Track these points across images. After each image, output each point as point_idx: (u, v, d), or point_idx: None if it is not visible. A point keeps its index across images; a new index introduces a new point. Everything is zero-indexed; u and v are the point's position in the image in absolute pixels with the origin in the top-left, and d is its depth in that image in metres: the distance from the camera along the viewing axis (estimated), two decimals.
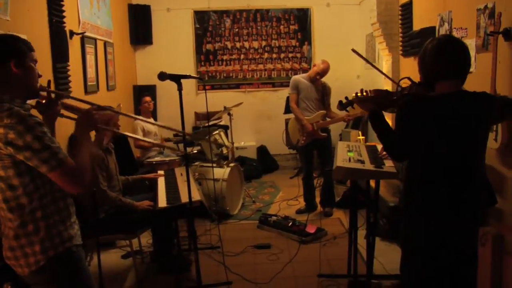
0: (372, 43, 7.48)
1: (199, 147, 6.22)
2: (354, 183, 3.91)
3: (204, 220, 5.58)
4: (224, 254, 4.45)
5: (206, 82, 8.51)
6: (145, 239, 4.87)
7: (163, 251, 4.37)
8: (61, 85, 4.57)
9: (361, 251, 4.25)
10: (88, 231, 3.44)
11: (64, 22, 4.71)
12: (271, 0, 8.54)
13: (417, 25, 5.25)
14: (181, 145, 6.96)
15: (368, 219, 3.78)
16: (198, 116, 8.29)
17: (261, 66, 8.67)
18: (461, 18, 4.24)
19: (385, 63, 6.35)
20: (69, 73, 4.77)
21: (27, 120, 2.02)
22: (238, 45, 8.61)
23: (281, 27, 8.60)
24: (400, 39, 5.78)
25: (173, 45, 8.37)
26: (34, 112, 2.19)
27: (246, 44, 8.61)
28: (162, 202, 3.66)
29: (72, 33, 4.98)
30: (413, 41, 5.27)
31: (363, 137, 6.32)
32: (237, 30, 8.56)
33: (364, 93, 2.82)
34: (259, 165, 8.28)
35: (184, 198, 3.55)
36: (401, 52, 5.80)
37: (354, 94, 2.88)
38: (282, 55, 8.67)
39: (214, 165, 5.86)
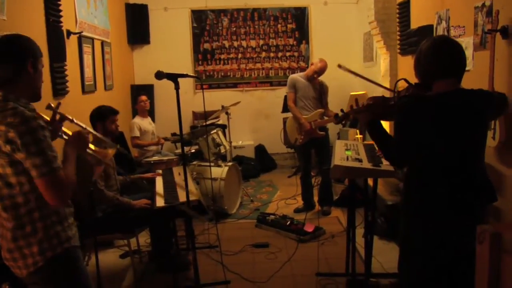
0: (370, 41, 7.48)
1: (197, 147, 6.21)
2: (352, 182, 3.91)
3: (201, 218, 5.55)
4: (222, 253, 4.44)
5: (204, 82, 8.50)
6: (143, 238, 4.87)
7: (161, 251, 4.36)
8: (58, 85, 4.56)
9: (359, 249, 4.25)
10: (86, 230, 3.44)
11: (61, 22, 4.70)
12: None
13: (415, 24, 5.24)
14: (178, 145, 6.98)
15: (366, 217, 3.78)
16: (196, 115, 8.28)
17: (258, 65, 8.67)
18: (459, 16, 4.24)
19: (383, 62, 6.34)
20: (66, 72, 4.76)
21: (30, 122, 2.01)
22: (235, 44, 8.60)
23: (279, 26, 8.59)
24: (398, 37, 5.78)
25: (171, 44, 8.36)
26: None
27: (244, 43, 8.61)
28: (160, 201, 3.65)
29: (69, 33, 4.97)
30: (410, 39, 5.27)
31: (361, 136, 6.34)
32: (234, 29, 8.56)
33: (360, 105, 2.80)
34: (257, 164, 8.27)
35: (182, 197, 3.54)
36: (398, 51, 5.80)
37: (349, 107, 2.86)
38: (280, 54, 8.66)
39: (212, 164, 5.85)
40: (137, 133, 6.33)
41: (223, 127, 7.21)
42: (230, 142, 6.85)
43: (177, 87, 3.22)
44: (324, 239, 4.95)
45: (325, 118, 5.73)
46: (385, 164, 3.31)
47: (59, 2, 4.65)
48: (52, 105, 2.39)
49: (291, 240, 4.97)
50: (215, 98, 8.00)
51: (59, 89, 4.57)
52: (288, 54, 8.67)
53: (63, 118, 2.46)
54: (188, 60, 8.50)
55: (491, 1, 3.67)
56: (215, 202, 5.66)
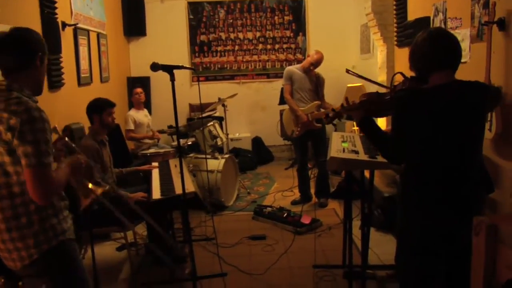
0: (367, 33, 7.46)
1: (193, 139, 6.20)
2: (348, 174, 3.90)
3: (198, 211, 5.56)
4: (219, 246, 4.45)
5: (201, 74, 8.48)
6: (140, 231, 4.86)
7: (158, 243, 4.36)
8: (54, 77, 4.54)
9: (356, 241, 4.26)
10: (82, 223, 3.43)
11: (56, 13, 4.67)
12: None
13: (412, 15, 5.22)
14: (175, 137, 6.98)
15: (363, 209, 3.78)
16: (192, 107, 8.26)
17: (255, 57, 8.65)
18: (456, 8, 4.22)
19: (380, 54, 6.33)
20: (61, 65, 4.74)
21: (33, 112, 2.03)
22: (232, 36, 8.57)
23: (276, 17, 8.57)
24: (395, 29, 5.76)
25: (167, 36, 8.32)
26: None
27: (241, 35, 8.58)
28: (156, 194, 3.65)
29: (64, 25, 4.94)
30: (407, 31, 5.25)
31: (358, 128, 6.32)
32: (231, 21, 8.53)
33: (351, 102, 2.78)
34: (254, 156, 8.27)
35: (178, 190, 3.54)
36: (395, 43, 5.78)
37: (340, 106, 2.83)
38: (277, 46, 8.64)
39: (209, 156, 5.85)
40: (132, 126, 6.33)
41: (220, 119, 7.20)
42: (227, 134, 6.84)
43: (172, 79, 3.20)
44: (321, 231, 4.96)
45: (322, 110, 5.72)
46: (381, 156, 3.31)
47: None
48: (58, 128, 2.45)
49: (288, 232, 4.97)
50: (212, 90, 7.99)
51: (55, 82, 4.55)
52: (285, 46, 8.65)
53: (71, 150, 2.51)
54: (185, 52, 8.47)
55: None
56: (211, 194, 5.66)
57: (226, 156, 6.02)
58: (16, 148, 2.02)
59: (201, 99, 4.25)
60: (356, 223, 4.26)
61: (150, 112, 7.37)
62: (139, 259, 4.50)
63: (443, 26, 4.40)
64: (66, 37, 5.04)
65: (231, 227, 5.24)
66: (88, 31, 5.74)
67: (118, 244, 4.69)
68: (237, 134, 8.43)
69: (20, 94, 2.09)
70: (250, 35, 8.59)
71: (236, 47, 8.60)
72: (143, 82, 7.70)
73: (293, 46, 8.65)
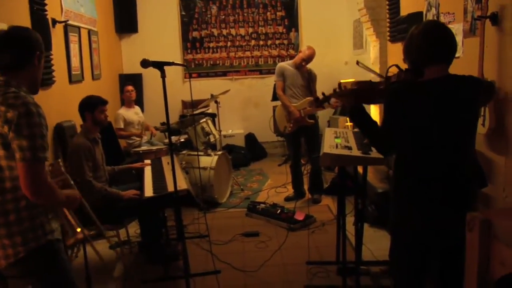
0: (360, 29, 7.45)
1: (186, 136, 6.17)
2: (341, 170, 3.89)
3: (192, 209, 5.54)
4: (212, 243, 4.43)
5: (193, 70, 8.45)
6: (133, 229, 4.84)
7: (151, 241, 4.34)
8: (44, 75, 4.49)
9: (349, 237, 4.26)
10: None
11: (46, 10, 4.62)
12: None
13: (405, 11, 5.21)
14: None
15: (356, 205, 3.77)
16: (185, 104, 8.23)
17: (248, 53, 8.62)
18: (448, 3, 4.21)
19: (373, 49, 6.32)
20: (52, 62, 4.70)
21: (30, 106, 2.04)
22: (224, 32, 8.54)
23: (268, 13, 8.54)
24: (388, 24, 5.74)
25: (159, 33, 8.28)
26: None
27: (233, 31, 8.55)
28: (148, 191, 3.63)
29: (54, 22, 4.90)
30: (400, 26, 5.24)
31: (351, 124, 6.32)
32: (223, 17, 8.49)
33: (343, 88, 2.76)
34: (247, 153, 8.25)
35: (171, 187, 3.51)
36: (388, 38, 5.77)
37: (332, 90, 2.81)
38: (269, 42, 8.62)
39: (201, 153, 5.82)
40: (121, 125, 6.28)
41: (213, 116, 7.17)
42: (220, 131, 6.82)
43: (163, 76, 3.18)
44: (315, 227, 4.95)
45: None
46: (375, 152, 3.29)
47: None
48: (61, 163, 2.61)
49: (281, 228, 4.96)
50: (204, 87, 7.96)
51: (45, 79, 4.51)
52: (277, 42, 8.62)
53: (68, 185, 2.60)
54: (177, 48, 8.43)
55: None
56: (205, 191, 5.64)
57: (219, 153, 6.00)
58: (12, 141, 2.01)
59: (194, 96, 4.22)
60: (350, 219, 4.26)
61: (142, 109, 7.34)
62: (132, 257, 4.48)
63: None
64: (57, 34, 5.00)
65: (225, 224, 5.22)
66: (79, 28, 5.70)
67: (111, 242, 4.65)
68: (230, 130, 8.41)
69: (17, 90, 2.09)
70: (242, 31, 8.56)
71: (229, 43, 8.57)
72: (135, 79, 7.65)
73: (285, 42, 8.63)
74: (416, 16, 4.80)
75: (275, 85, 6.05)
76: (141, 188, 4.00)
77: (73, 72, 5.39)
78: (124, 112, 6.41)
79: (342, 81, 7.38)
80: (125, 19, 7.99)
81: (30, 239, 2.12)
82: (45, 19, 4.61)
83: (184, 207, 4.81)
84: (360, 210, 3.74)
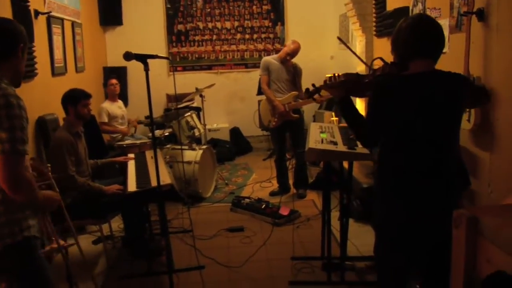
0: (346, 23, 7.43)
1: (170, 130, 6.11)
2: (327, 165, 3.87)
3: (176, 203, 5.49)
4: (196, 238, 4.40)
5: (178, 64, 8.38)
6: (116, 223, 4.79)
7: (135, 236, 4.29)
8: (26, 67, 4.37)
9: (334, 233, 4.24)
10: (55, 217, 3.34)
11: (28, 1, 4.52)
12: None
13: (391, 6, 5.20)
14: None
15: (341, 200, 3.76)
16: (169, 98, 8.16)
17: (233, 47, 8.57)
18: None
19: (359, 44, 6.31)
20: (34, 54, 4.60)
21: (11, 98, 1.99)
22: (210, 25, 8.47)
23: (254, 7, 8.48)
24: (374, 19, 5.73)
25: (144, 25, 8.19)
26: None
27: (218, 25, 8.49)
28: (132, 186, 3.58)
29: (37, 13, 4.80)
30: (386, 21, 5.23)
31: (337, 118, 6.31)
32: (209, 10, 8.42)
33: (333, 79, 2.74)
34: (232, 147, 8.21)
35: (155, 182, 3.47)
36: (374, 33, 5.76)
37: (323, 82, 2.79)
38: (255, 36, 8.57)
39: (186, 147, 5.77)
40: (105, 119, 6.18)
41: (198, 109, 7.12)
42: (205, 125, 6.77)
43: (146, 69, 3.14)
44: (300, 223, 4.93)
45: (299, 100, 5.68)
46: (360, 147, 3.28)
47: None
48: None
49: (266, 223, 4.94)
50: (189, 80, 7.90)
51: (27, 71, 4.41)
52: (263, 35, 8.58)
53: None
54: (162, 41, 8.35)
55: None
56: (189, 185, 5.60)
57: (204, 147, 5.95)
58: None
59: (179, 90, 4.19)
60: (335, 214, 4.25)
61: (127, 102, 7.26)
62: (115, 253, 4.43)
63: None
64: (39, 26, 4.91)
65: (209, 218, 5.19)
66: (62, 19, 5.61)
67: (94, 237, 4.60)
68: (215, 124, 8.37)
69: None
70: (228, 24, 8.50)
71: (214, 37, 8.51)
72: (120, 72, 7.56)
73: (271, 36, 8.59)
74: (402, 11, 4.79)
75: (260, 79, 6.02)
76: (124, 182, 3.95)
77: (56, 65, 5.30)
78: (108, 106, 6.32)
79: (327, 75, 7.37)
80: (110, 11, 7.87)
81: (5, 234, 2.07)
82: (27, 10, 4.51)
83: (168, 201, 4.76)
84: (345, 205, 3.73)
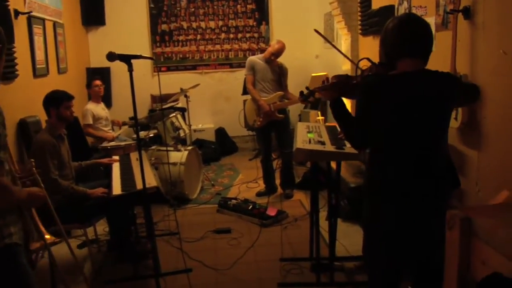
0: (331, 22, 7.41)
1: (155, 131, 6.04)
2: (314, 165, 3.84)
3: (162, 205, 5.42)
4: (183, 240, 4.34)
5: (162, 64, 8.30)
6: (102, 227, 4.71)
7: (120, 239, 4.23)
8: (6, 68, 4.31)
9: (323, 233, 4.21)
10: (43, 221, 3.27)
11: (8, 1, 4.42)
12: None
13: (376, 4, 5.18)
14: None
15: (330, 200, 3.72)
16: (154, 98, 8.08)
17: (218, 47, 8.51)
18: None
19: (344, 42, 6.29)
20: (15, 55, 4.51)
21: None
22: (194, 25, 8.41)
23: (238, 6, 8.44)
24: (359, 18, 5.72)
25: (127, 25, 8.10)
26: None
27: (203, 24, 8.42)
28: (116, 189, 3.51)
29: (17, 13, 4.71)
30: (372, 19, 5.21)
31: (323, 118, 6.30)
32: (193, 9, 8.36)
33: (326, 82, 2.73)
34: (217, 147, 8.16)
35: (140, 185, 3.41)
36: (360, 31, 5.74)
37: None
38: (240, 35, 8.52)
39: (171, 148, 5.71)
40: (90, 121, 6.06)
41: (183, 110, 7.06)
42: (190, 126, 6.71)
43: (130, 69, 3.09)
44: (287, 223, 4.90)
45: (285, 100, 5.65)
46: (348, 147, 3.25)
47: None
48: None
49: (253, 224, 4.90)
50: (174, 81, 7.83)
51: (7, 73, 4.32)
52: (248, 35, 8.53)
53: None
54: (146, 41, 8.27)
55: None
56: (175, 187, 5.53)
57: (189, 148, 5.89)
58: None
59: (163, 90, 4.13)
60: (323, 214, 4.22)
61: (110, 103, 7.16)
62: (101, 257, 4.35)
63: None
64: (20, 26, 4.81)
65: (195, 220, 5.13)
66: (43, 19, 5.51)
67: (79, 241, 4.52)
68: (200, 125, 8.31)
69: None
70: (212, 24, 8.44)
71: (198, 37, 8.44)
72: (103, 73, 7.47)
73: (256, 35, 8.55)
74: (388, 10, 4.77)
75: (245, 79, 5.98)
76: (109, 185, 3.88)
77: (37, 66, 5.20)
78: (93, 107, 6.20)
79: (313, 74, 7.36)
80: (92, 11, 7.77)
81: None
82: (7, 10, 4.41)
83: (153, 204, 4.70)
84: (333, 206, 3.70)
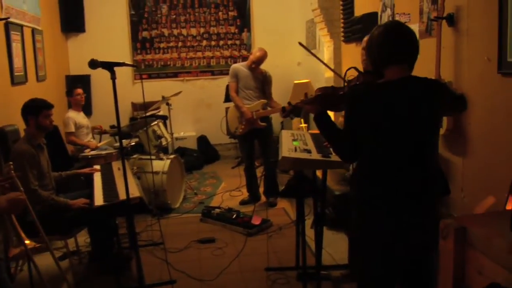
0: (313, 29, 7.41)
1: (137, 139, 5.95)
2: (299, 173, 3.80)
3: (144, 215, 5.33)
4: (167, 250, 4.26)
5: (143, 71, 8.22)
6: (83, 238, 4.60)
7: (102, 251, 4.13)
8: None
9: (308, 241, 4.17)
10: (26, 232, 3.18)
11: None
12: None
13: (359, 11, 5.19)
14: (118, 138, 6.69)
15: (315, 209, 3.68)
16: (135, 106, 7.99)
17: (199, 54, 8.46)
18: (404, 3, 4.20)
19: (326, 50, 6.29)
20: None
21: None
22: (175, 32, 8.35)
23: (220, 13, 8.40)
24: (342, 25, 5.72)
25: (108, 32, 8.01)
26: None
27: (184, 31, 8.37)
28: (98, 200, 3.43)
29: None
30: (354, 27, 5.22)
31: (306, 125, 6.27)
32: (174, 16, 8.30)
33: (308, 96, 2.69)
34: (199, 155, 8.09)
35: (122, 195, 3.33)
36: (342, 38, 5.75)
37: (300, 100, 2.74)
38: (221, 42, 8.48)
39: (153, 157, 5.62)
40: (72, 129, 5.94)
41: (164, 118, 6.98)
42: (172, 134, 6.64)
43: (113, 77, 3.02)
44: (272, 232, 4.84)
45: (268, 108, 5.62)
46: (335, 155, 3.22)
47: None
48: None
49: (238, 234, 4.84)
50: (155, 88, 7.72)
51: None
52: (229, 42, 8.50)
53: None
54: (126, 49, 8.18)
55: None
56: (157, 196, 5.45)
57: (172, 156, 5.82)
58: None
59: (144, 98, 4.06)
60: (307, 222, 4.18)
61: (90, 111, 7.05)
62: (82, 268, 4.25)
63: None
64: None
65: (179, 230, 5.05)
66: (21, 26, 5.41)
67: (60, 253, 4.41)
68: (182, 133, 8.24)
69: None
70: (194, 31, 8.39)
71: (180, 44, 8.39)
72: (83, 81, 7.37)
73: (238, 42, 8.52)
74: (371, 17, 4.79)
75: (227, 86, 5.93)
76: (90, 195, 3.79)
77: (15, 73, 5.10)
78: (75, 115, 6.06)
79: (295, 81, 7.35)
80: (72, 17, 7.67)
81: None
82: None
83: (136, 213, 4.62)
84: (319, 214, 3.66)
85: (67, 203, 3.83)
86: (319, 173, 3.86)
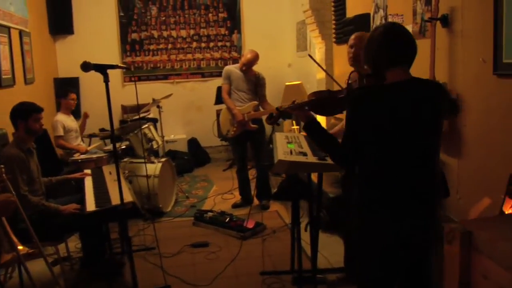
0: (303, 30, 7.39)
1: (127, 143, 5.88)
2: (293, 176, 3.76)
3: (136, 219, 5.26)
4: (161, 256, 4.20)
5: (133, 74, 8.14)
6: (74, 243, 4.53)
7: (94, 256, 4.07)
8: None
9: (303, 244, 4.13)
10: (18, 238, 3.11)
11: None
12: None
13: (351, 12, 5.18)
14: (108, 141, 6.62)
15: (310, 212, 3.64)
16: (125, 109, 7.92)
17: (189, 56, 8.41)
18: (397, 4, 4.18)
19: (318, 51, 6.27)
20: None
21: None
22: (165, 34, 8.29)
23: (210, 15, 8.36)
24: (333, 26, 5.70)
25: (96, 34, 7.94)
26: None
27: (174, 33, 8.32)
28: (90, 205, 3.36)
29: None
30: (346, 28, 5.20)
31: (297, 127, 6.24)
32: (164, 18, 8.24)
33: (296, 102, 2.65)
34: (190, 158, 8.03)
35: (115, 200, 3.27)
36: (334, 40, 5.73)
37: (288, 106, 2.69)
38: (211, 44, 8.44)
39: (145, 160, 5.57)
40: (61, 132, 5.85)
41: (154, 121, 6.92)
42: (163, 137, 6.58)
43: (106, 80, 2.98)
44: (266, 235, 4.80)
45: (261, 109, 5.58)
46: None
47: None
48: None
49: (231, 238, 4.79)
50: (145, 91, 7.63)
51: None
52: (220, 44, 8.46)
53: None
54: (115, 51, 8.12)
55: None
56: (149, 200, 5.39)
57: (163, 159, 5.75)
58: None
59: (134, 100, 4.02)
60: (302, 225, 4.13)
61: (79, 114, 6.96)
62: (73, 274, 4.18)
63: (383, 23, 4.36)
64: None
65: (171, 234, 4.99)
66: (8, 28, 5.33)
67: (51, 259, 4.33)
68: (172, 135, 8.18)
69: None
70: (183, 33, 8.34)
71: (170, 46, 8.33)
72: (72, 84, 7.29)
73: (228, 44, 8.48)
74: (363, 18, 4.77)
75: (218, 88, 5.89)
76: (82, 200, 3.73)
77: (3, 76, 5.03)
78: (64, 118, 5.96)
79: (287, 83, 7.32)
80: (60, 19, 7.58)
81: None
82: None
83: (128, 218, 4.55)
84: (314, 217, 3.62)
85: (58, 208, 3.76)
86: (313, 175, 3.83)
